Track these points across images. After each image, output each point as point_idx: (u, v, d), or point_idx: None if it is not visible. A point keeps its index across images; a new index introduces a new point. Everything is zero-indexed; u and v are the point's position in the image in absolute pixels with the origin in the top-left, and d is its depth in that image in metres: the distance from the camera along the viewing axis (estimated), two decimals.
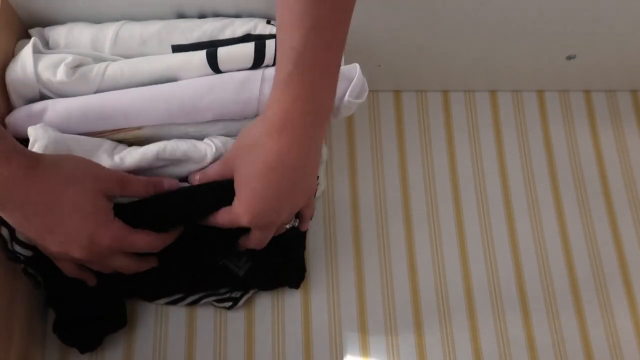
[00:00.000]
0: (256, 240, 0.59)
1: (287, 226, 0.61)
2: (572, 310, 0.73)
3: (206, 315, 0.69)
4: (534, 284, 0.73)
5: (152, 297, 0.68)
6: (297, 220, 0.62)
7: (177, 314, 0.68)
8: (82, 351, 0.65)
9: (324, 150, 0.68)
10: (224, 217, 0.56)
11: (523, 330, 0.71)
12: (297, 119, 0.51)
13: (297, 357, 0.68)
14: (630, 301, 0.74)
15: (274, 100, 0.51)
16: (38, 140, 0.54)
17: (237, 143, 0.56)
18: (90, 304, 0.63)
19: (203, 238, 0.61)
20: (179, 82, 0.59)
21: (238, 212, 0.55)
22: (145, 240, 0.56)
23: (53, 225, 0.51)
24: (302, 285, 0.70)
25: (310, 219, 0.64)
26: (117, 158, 0.57)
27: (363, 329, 0.70)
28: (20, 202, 0.49)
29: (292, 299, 0.70)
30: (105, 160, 0.56)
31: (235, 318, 0.69)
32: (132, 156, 0.57)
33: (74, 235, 0.52)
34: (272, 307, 0.70)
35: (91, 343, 0.65)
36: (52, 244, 0.53)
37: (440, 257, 0.73)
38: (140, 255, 0.58)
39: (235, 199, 0.55)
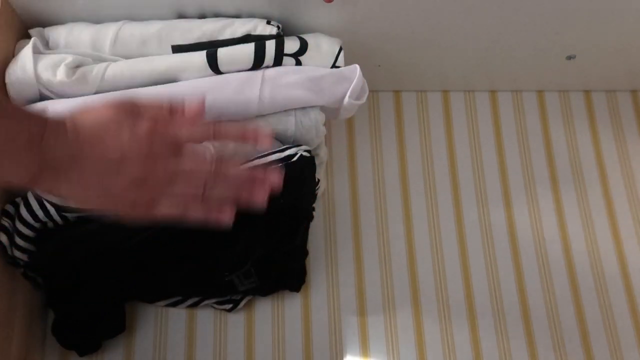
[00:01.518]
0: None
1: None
2: (572, 310, 0.73)
3: (206, 317, 0.69)
4: (534, 284, 0.73)
5: (151, 300, 0.68)
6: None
7: (177, 317, 0.68)
8: (81, 354, 0.65)
9: (324, 151, 0.68)
10: None
11: (523, 330, 0.71)
12: None
13: (297, 359, 0.68)
14: (630, 300, 0.74)
15: None
16: None
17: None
18: (90, 307, 0.63)
19: (213, 256, 0.61)
20: (178, 83, 0.58)
21: None
22: (188, 120, 0.50)
23: (109, 153, 0.45)
24: (302, 292, 0.70)
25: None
26: None
27: (363, 329, 0.70)
28: (73, 154, 0.44)
29: (292, 299, 0.70)
30: None
31: (235, 320, 0.69)
32: None
33: (127, 147, 0.46)
34: (272, 308, 0.70)
35: (90, 346, 0.65)
36: (122, 178, 0.46)
37: (440, 257, 0.73)
38: None
39: None
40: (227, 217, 0.50)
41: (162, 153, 0.48)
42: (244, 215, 0.59)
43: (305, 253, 0.70)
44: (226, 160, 0.50)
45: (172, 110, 0.50)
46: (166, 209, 0.49)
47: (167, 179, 0.48)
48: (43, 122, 0.44)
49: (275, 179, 0.51)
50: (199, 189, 0.49)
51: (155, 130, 0.47)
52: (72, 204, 0.48)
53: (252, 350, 0.68)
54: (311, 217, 0.68)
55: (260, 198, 0.50)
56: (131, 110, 0.48)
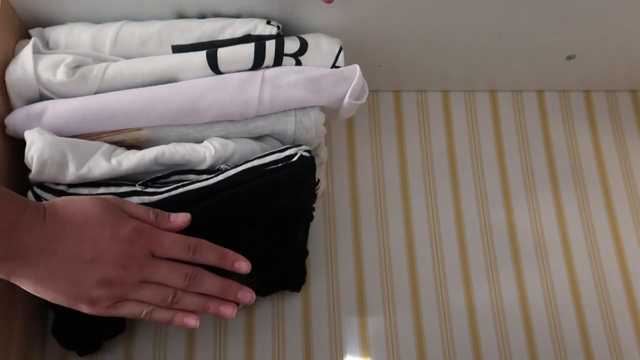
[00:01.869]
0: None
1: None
2: (571, 307, 0.73)
3: (206, 318, 0.69)
4: (533, 283, 0.73)
5: None
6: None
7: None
8: (81, 354, 0.65)
9: (324, 151, 0.68)
10: None
11: (523, 329, 0.71)
12: None
13: (297, 358, 0.68)
14: (630, 301, 0.74)
15: None
16: (34, 143, 0.54)
17: None
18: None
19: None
20: (178, 83, 0.58)
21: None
22: (172, 237, 0.51)
23: (83, 248, 0.47)
24: (302, 286, 0.70)
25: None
26: (114, 161, 0.57)
27: (363, 329, 0.70)
28: (44, 246, 0.45)
29: (292, 299, 0.70)
30: (101, 164, 0.56)
31: (235, 320, 0.69)
32: (129, 160, 0.57)
33: (105, 247, 0.47)
34: (272, 309, 0.70)
35: (89, 347, 0.65)
36: (90, 276, 0.48)
37: (440, 257, 0.73)
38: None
39: None
40: (192, 322, 0.53)
41: (137, 261, 0.49)
42: (244, 216, 0.59)
43: (305, 253, 0.70)
44: (201, 273, 0.52)
45: (157, 220, 0.52)
46: (129, 309, 0.50)
47: (136, 285, 0.50)
48: (23, 206, 0.45)
49: (247, 299, 0.54)
50: (167, 298, 0.51)
51: (137, 238, 0.49)
52: (35, 293, 0.48)
53: (252, 350, 0.68)
54: (311, 217, 0.68)
55: (228, 313, 0.54)
56: (118, 211, 0.49)
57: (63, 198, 0.49)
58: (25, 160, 0.56)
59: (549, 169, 0.79)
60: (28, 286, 0.47)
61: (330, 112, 0.63)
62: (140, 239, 0.49)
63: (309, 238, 0.71)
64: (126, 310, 0.50)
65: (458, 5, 0.65)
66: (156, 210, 0.53)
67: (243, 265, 0.54)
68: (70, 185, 0.56)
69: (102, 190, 0.56)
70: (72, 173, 0.55)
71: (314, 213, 0.69)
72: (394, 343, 0.70)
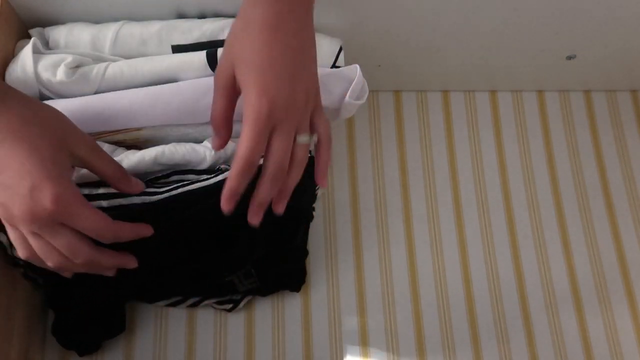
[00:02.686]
0: (279, 152, 0.48)
1: (307, 141, 0.51)
2: (571, 308, 0.73)
3: (206, 317, 0.69)
4: (533, 283, 0.73)
5: (151, 300, 0.68)
6: (315, 137, 0.53)
7: (177, 317, 0.68)
8: (81, 354, 0.65)
9: None
10: (243, 130, 0.47)
11: (523, 329, 0.71)
12: None
13: (297, 358, 0.68)
14: (630, 301, 0.74)
15: None
16: None
17: (227, 38, 0.50)
18: (90, 308, 0.63)
19: (213, 256, 0.61)
20: (179, 83, 0.58)
21: (252, 102, 0.46)
22: (93, 219, 0.47)
23: (3, 164, 0.44)
24: (302, 291, 0.70)
25: (330, 138, 0.52)
26: None
27: (363, 330, 0.70)
28: None
29: (292, 299, 0.70)
30: None
31: (235, 320, 0.69)
32: (129, 159, 0.57)
33: (17, 180, 0.44)
34: (272, 309, 0.70)
35: (89, 347, 0.65)
36: None
37: (440, 257, 0.73)
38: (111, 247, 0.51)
39: (243, 93, 0.48)
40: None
41: (41, 222, 0.46)
42: (243, 216, 0.59)
43: (305, 253, 0.70)
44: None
45: (119, 182, 0.52)
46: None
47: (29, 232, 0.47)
48: None
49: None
50: (57, 261, 0.48)
51: (53, 207, 0.45)
52: None
53: (252, 350, 0.68)
54: (311, 217, 0.68)
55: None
56: (57, 162, 0.46)
57: (37, 106, 0.47)
58: None
59: (549, 168, 0.79)
60: None
61: (331, 113, 0.63)
62: (56, 210, 0.45)
63: (309, 238, 0.71)
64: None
65: (458, 5, 0.65)
66: (122, 171, 0.52)
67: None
68: None
69: (102, 190, 0.56)
70: (73, 174, 0.55)
71: (314, 213, 0.70)
72: (394, 343, 0.70)
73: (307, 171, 0.61)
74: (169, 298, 0.68)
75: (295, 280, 0.69)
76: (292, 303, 0.70)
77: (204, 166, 0.58)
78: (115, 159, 0.57)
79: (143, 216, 0.54)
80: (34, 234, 0.47)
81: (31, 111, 0.46)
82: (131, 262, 0.53)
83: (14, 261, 0.58)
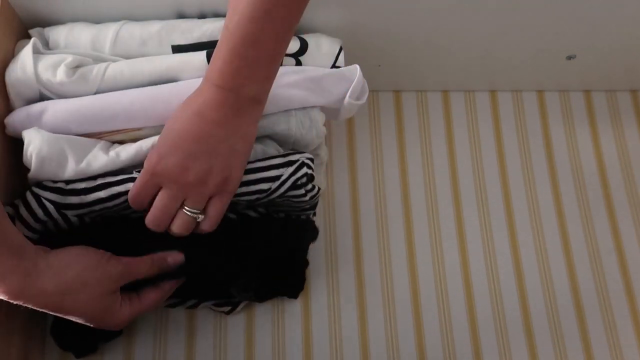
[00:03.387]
0: (157, 206, 0.55)
1: (191, 214, 0.55)
2: (571, 307, 0.73)
3: (206, 320, 0.69)
4: (533, 283, 0.73)
5: None
6: (201, 217, 0.56)
7: (176, 319, 0.68)
8: (77, 356, 0.65)
9: (324, 151, 0.68)
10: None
11: (522, 329, 0.71)
12: (216, 78, 0.52)
13: (297, 359, 0.68)
14: (630, 300, 0.74)
15: (215, 70, 0.52)
16: (32, 141, 0.54)
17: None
18: None
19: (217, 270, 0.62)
20: (179, 83, 0.58)
21: (150, 155, 0.54)
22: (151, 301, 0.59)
23: (70, 309, 0.54)
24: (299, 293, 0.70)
25: (215, 222, 0.57)
26: (112, 153, 0.57)
27: (363, 330, 0.70)
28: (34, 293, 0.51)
29: (292, 301, 0.70)
30: (100, 157, 0.56)
31: (236, 323, 0.69)
32: (127, 151, 0.57)
33: (91, 316, 0.55)
34: (273, 310, 0.70)
35: (86, 349, 0.65)
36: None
37: (440, 257, 0.73)
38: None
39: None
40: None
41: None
42: (248, 247, 0.60)
43: (305, 264, 0.70)
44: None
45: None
46: None
47: None
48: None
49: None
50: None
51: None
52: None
53: (252, 350, 0.68)
54: (306, 264, 0.70)
55: None
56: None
57: (67, 271, 0.53)
58: (24, 160, 0.56)
59: (549, 169, 0.79)
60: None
61: (331, 113, 0.63)
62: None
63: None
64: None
65: (458, 5, 0.65)
66: (158, 258, 0.58)
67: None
68: (68, 182, 0.57)
69: (99, 181, 0.56)
70: (71, 169, 0.55)
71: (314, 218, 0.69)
72: (394, 343, 0.70)
73: (310, 230, 0.64)
74: (166, 300, 0.67)
75: (293, 288, 0.69)
76: (292, 305, 0.70)
77: None
78: (114, 150, 0.57)
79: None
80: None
81: (63, 283, 0.53)
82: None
83: None
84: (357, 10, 0.64)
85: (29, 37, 0.61)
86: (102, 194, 0.56)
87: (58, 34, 0.61)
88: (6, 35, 0.59)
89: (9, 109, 0.59)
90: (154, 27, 0.61)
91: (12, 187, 0.59)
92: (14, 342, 0.59)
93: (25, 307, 0.56)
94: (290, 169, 0.59)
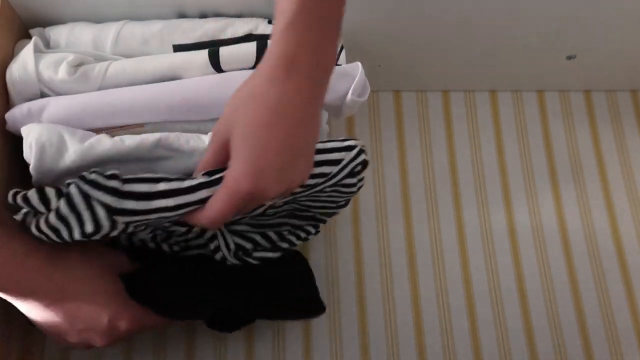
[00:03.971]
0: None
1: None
2: (571, 307, 0.73)
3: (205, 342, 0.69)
4: (533, 284, 0.73)
5: None
6: None
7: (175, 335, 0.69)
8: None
9: None
10: (217, 193, 0.46)
11: (523, 329, 0.71)
12: (302, 65, 0.44)
13: (297, 359, 0.68)
14: (629, 299, 0.74)
15: (276, 44, 0.45)
16: (31, 132, 0.53)
17: (232, 98, 0.47)
18: None
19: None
20: (182, 80, 0.58)
21: (236, 175, 0.44)
22: (159, 322, 0.57)
23: (71, 314, 0.51)
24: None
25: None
26: (117, 138, 0.54)
27: (363, 330, 0.70)
28: (44, 291, 0.50)
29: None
30: (105, 140, 0.53)
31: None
32: (132, 138, 0.55)
33: (94, 322, 0.52)
34: (272, 326, 0.70)
35: None
36: (71, 335, 0.53)
37: (440, 257, 0.73)
38: None
39: (231, 162, 0.45)
40: None
41: (120, 338, 0.55)
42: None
43: (310, 277, 0.69)
44: None
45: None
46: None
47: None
48: None
49: None
50: None
51: (129, 330, 0.54)
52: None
53: (252, 350, 0.68)
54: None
55: None
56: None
57: (73, 249, 0.52)
58: (25, 155, 0.55)
59: (549, 169, 0.79)
60: None
61: (333, 110, 0.63)
62: (133, 328, 0.55)
63: (309, 239, 0.71)
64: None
65: (458, 5, 0.65)
66: None
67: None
68: (125, 181, 0.47)
69: (162, 186, 0.47)
70: (72, 151, 0.52)
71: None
72: (394, 343, 0.70)
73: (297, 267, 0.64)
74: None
75: (308, 305, 0.69)
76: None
77: None
78: (119, 137, 0.55)
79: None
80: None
81: (73, 261, 0.52)
82: None
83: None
84: (357, 10, 0.64)
85: (29, 37, 0.61)
86: (169, 202, 0.47)
87: (59, 33, 0.61)
88: (6, 35, 0.59)
89: (10, 108, 0.59)
90: (156, 26, 0.61)
91: (12, 187, 0.59)
92: (14, 342, 0.59)
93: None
94: (351, 154, 0.54)
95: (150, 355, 0.67)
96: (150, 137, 0.56)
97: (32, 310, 0.51)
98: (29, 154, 0.54)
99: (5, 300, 0.57)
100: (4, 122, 0.58)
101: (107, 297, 0.52)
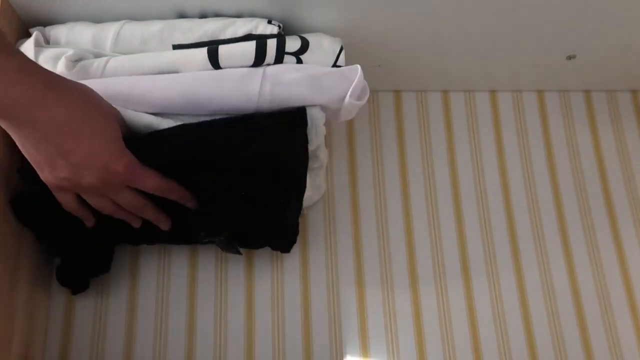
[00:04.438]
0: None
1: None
2: (571, 308, 0.73)
3: (205, 316, 0.69)
4: (533, 284, 0.73)
5: (134, 242, 0.68)
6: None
7: (179, 265, 0.70)
8: (73, 292, 0.67)
9: (324, 154, 0.67)
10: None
11: (523, 329, 0.71)
12: None
13: (297, 359, 0.68)
14: (630, 302, 0.74)
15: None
16: None
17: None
18: (81, 250, 0.64)
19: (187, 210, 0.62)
20: (179, 74, 0.59)
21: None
22: (155, 179, 0.56)
23: (71, 147, 0.50)
24: (302, 285, 0.70)
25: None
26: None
27: (363, 329, 0.70)
28: (43, 120, 0.49)
29: (291, 299, 0.70)
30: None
31: (235, 318, 0.69)
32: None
33: (91, 159, 0.52)
34: (272, 308, 0.70)
35: (79, 285, 0.66)
36: (63, 169, 0.52)
37: (440, 257, 0.73)
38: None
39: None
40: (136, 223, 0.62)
41: (111, 187, 0.56)
42: (220, 179, 0.59)
43: (298, 211, 0.66)
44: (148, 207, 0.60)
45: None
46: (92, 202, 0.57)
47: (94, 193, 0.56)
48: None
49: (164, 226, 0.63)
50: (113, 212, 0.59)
51: (125, 175, 0.54)
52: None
53: (252, 350, 0.68)
54: (303, 185, 0.64)
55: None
56: (119, 142, 0.55)
57: (82, 87, 0.53)
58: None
59: (549, 168, 0.79)
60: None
61: (331, 113, 0.63)
62: (127, 177, 0.55)
63: (309, 238, 0.71)
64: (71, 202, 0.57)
65: (458, 5, 0.65)
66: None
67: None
68: None
69: None
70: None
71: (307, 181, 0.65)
72: (394, 343, 0.70)
73: (284, 125, 0.59)
74: (151, 243, 0.68)
75: (284, 239, 0.67)
76: (292, 304, 0.70)
77: None
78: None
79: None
80: (98, 195, 0.56)
81: (82, 96, 0.52)
82: (165, 224, 0.62)
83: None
84: (357, 10, 0.64)
85: (29, 36, 0.61)
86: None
87: (59, 33, 0.61)
88: (6, 34, 0.59)
89: None
90: (155, 26, 0.61)
91: (12, 187, 0.59)
92: (14, 341, 0.59)
93: (25, 304, 0.56)
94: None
95: (151, 339, 0.67)
96: (145, 117, 0.58)
97: (28, 140, 0.50)
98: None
99: (6, 298, 0.57)
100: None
101: (106, 140, 0.52)
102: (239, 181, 0.60)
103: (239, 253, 0.67)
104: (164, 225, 0.62)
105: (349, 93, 0.60)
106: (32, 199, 0.59)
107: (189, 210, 0.61)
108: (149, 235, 0.66)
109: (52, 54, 0.57)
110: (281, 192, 0.62)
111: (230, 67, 0.59)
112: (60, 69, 0.57)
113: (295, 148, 0.61)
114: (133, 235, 0.65)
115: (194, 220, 0.62)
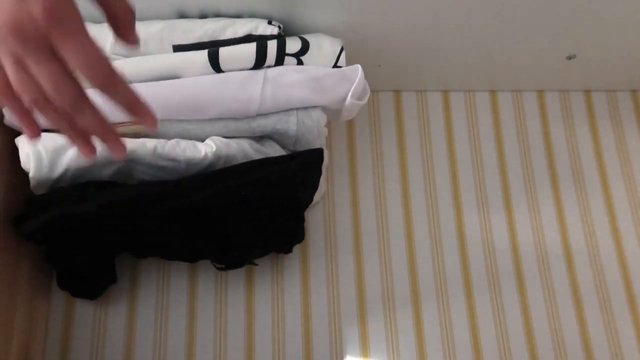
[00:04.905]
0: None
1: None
2: (571, 306, 0.73)
3: (206, 317, 0.69)
4: (533, 283, 0.73)
5: (139, 255, 0.68)
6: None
7: (178, 278, 0.70)
8: (74, 295, 0.67)
9: (325, 154, 0.68)
10: None
11: (523, 330, 0.71)
12: None
13: (297, 359, 0.68)
14: (630, 300, 0.74)
15: None
16: (26, 143, 0.55)
17: None
18: (82, 262, 0.64)
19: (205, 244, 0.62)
20: (181, 79, 0.59)
21: None
22: (90, 46, 0.38)
23: None
24: (302, 284, 0.70)
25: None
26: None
27: (363, 329, 0.70)
28: None
29: (292, 298, 0.70)
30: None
31: (236, 319, 0.69)
32: (132, 141, 0.57)
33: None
34: (272, 308, 0.70)
35: (93, 292, 0.67)
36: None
37: (440, 257, 0.73)
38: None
39: None
40: (88, 150, 0.43)
41: (28, 41, 0.37)
42: (237, 215, 0.59)
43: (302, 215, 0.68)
44: (88, 105, 0.40)
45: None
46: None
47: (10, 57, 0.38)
48: None
49: (119, 154, 0.42)
50: (37, 100, 0.39)
51: (47, 19, 0.36)
52: None
53: (253, 350, 0.68)
54: (310, 202, 0.67)
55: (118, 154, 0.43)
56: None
57: None
58: (23, 164, 0.56)
59: (549, 169, 0.79)
60: None
61: (332, 114, 0.63)
62: (46, 23, 0.37)
63: (309, 238, 0.71)
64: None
65: (458, 5, 0.65)
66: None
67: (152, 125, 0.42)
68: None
69: None
70: (70, 153, 0.55)
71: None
72: (394, 343, 0.70)
73: (304, 164, 0.61)
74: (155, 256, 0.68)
75: (287, 239, 0.68)
76: (292, 303, 0.70)
77: (205, 163, 0.58)
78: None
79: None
80: (16, 61, 0.38)
81: None
82: (118, 145, 0.43)
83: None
84: (357, 10, 0.64)
85: None
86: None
87: None
88: None
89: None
90: (155, 26, 0.61)
91: (12, 187, 0.59)
92: (14, 341, 0.59)
93: (25, 303, 0.56)
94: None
95: (151, 338, 0.67)
96: (148, 144, 0.56)
97: None
98: (27, 163, 0.55)
99: (6, 298, 0.58)
100: (2, 116, 0.58)
101: None
102: (264, 221, 0.62)
103: (255, 264, 0.68)
104: (118, 153, 0.43)
105: (350, 93, 0.60)
106: (35, 216, 0.59)
107: (211, 248, 0.62)
108: (151, 251, 0.66)
109: None
110: (296, 221, 0.66)
111: (231, 70, 0.59)
112: None
113: (315, 186, 0.64)
114: (137, 247, 0.66)
115: (216, 258, 0.63)
